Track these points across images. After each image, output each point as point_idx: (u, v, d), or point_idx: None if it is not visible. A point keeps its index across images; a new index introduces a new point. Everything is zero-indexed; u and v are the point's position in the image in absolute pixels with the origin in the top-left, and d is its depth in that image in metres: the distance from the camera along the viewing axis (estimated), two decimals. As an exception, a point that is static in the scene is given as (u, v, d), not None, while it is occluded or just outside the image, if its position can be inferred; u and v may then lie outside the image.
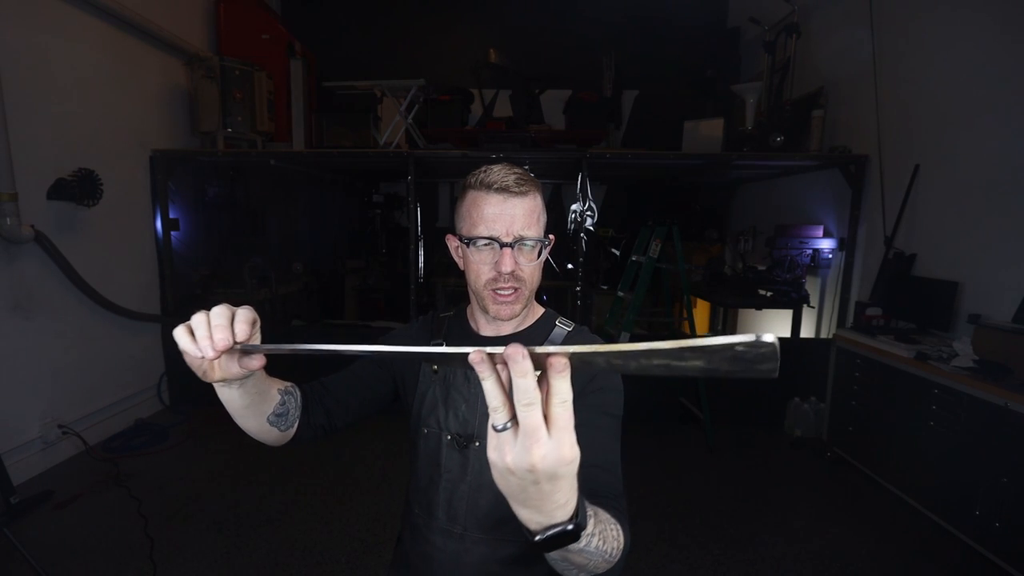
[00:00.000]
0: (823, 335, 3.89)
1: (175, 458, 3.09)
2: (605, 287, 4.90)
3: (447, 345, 0.92)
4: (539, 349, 0.40)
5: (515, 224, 0.79)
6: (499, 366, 0.42)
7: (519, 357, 0.40)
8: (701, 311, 5.14)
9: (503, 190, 0.79)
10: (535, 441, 0.40)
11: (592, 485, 0.71)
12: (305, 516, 2.50)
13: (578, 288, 3.72)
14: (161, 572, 2.09)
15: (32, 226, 2.71)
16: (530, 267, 0.82)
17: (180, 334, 0.58)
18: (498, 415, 0.42)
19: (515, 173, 0.80)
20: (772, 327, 4.50)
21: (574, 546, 0.49)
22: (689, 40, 5.16)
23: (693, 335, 3.33)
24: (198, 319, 0.58)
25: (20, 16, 2.70)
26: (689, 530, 2.47)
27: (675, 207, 5.26)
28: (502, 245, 0.79)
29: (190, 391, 3.85)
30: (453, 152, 3.95)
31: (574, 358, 0.40)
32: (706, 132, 3.95)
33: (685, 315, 3.38)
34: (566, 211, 4.59)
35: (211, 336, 0.57)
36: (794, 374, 3.60)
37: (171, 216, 3.82)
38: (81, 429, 2.97)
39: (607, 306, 4.04)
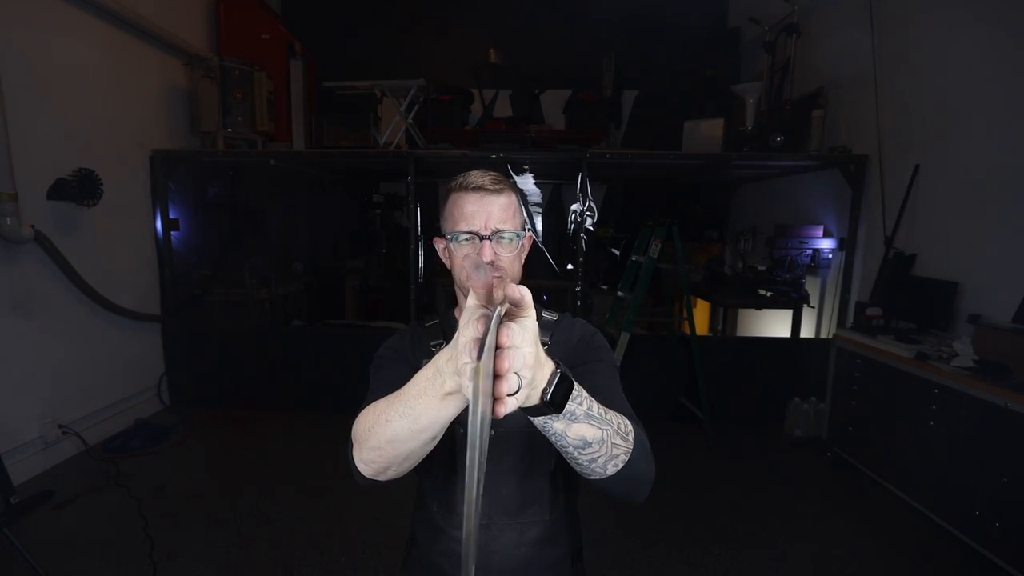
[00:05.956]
0: (823, 335, 3.89)
1: (175, 458, 3.09)
2: (605, 287, 4.90)
3: (446, 344, 0.91)
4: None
5: (492, 219, 0.87)
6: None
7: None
8: (701, 311, 5.14)
9: (480, 189, 0.88)
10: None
11: None
12: (305, 516, 2.50)
13: (578, 288, 3.72)
14: (161, 572, 2.09)
15: (32, 226, 2.71)
16: (509, 258, 0.89)
17: None
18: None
19: (491, 175, 0.90)
20: (772, 327, 4.50)
21: (576, 404, 0.60)
22: (689, 40, 5.15)
23: (693, 335, 3.33)
24: None
25: (20, 16, 2.70)
26: (689, 530, 2.47)
27: (675, 207, 5.26)
28: (481, 238, 0.87)
29: (190, 391, 3.86)
30: (453, 152, 3.94)
31: None
32: (706, 132, 3.95)
33: (685, 315, 3.38)
34: (566, 211, 4.59)
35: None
36: (794, 374, 3.61)
37: (171, 216, 3.83)
38: (81, 429, 2.97)
39: (607, 306, 4.04)
